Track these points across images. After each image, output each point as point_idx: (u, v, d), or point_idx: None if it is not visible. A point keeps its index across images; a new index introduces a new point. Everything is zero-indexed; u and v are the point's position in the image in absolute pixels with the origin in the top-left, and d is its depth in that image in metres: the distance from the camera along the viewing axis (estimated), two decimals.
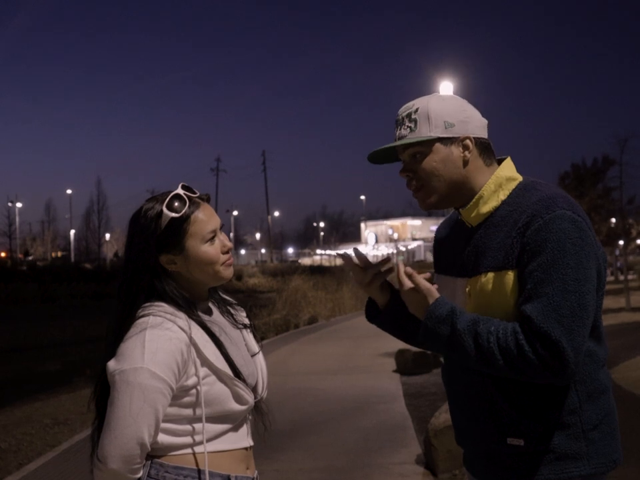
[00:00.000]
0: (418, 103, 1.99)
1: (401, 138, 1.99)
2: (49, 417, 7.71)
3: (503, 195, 1.96)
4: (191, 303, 1.89)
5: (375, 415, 7.56)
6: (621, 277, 36.26)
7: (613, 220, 29.54)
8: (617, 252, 39.03)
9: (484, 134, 2.01)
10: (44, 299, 32.60)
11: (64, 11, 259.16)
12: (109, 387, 1.78)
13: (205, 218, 1.89)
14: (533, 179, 2.01)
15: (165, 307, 1.84)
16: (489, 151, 2.01)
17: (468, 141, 1.96)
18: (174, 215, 1.85)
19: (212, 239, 1.90)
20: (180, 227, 1.86)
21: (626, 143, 26.91)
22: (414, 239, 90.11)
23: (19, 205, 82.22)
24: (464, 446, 2.12)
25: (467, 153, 1.96)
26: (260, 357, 2.06)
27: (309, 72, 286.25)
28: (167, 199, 1.86)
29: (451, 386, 2.12)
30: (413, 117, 1.97)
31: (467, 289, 1.97)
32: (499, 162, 2.04)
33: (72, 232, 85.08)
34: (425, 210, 2.11)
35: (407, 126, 1.97)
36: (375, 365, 11.33)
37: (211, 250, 1.89)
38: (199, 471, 1.83)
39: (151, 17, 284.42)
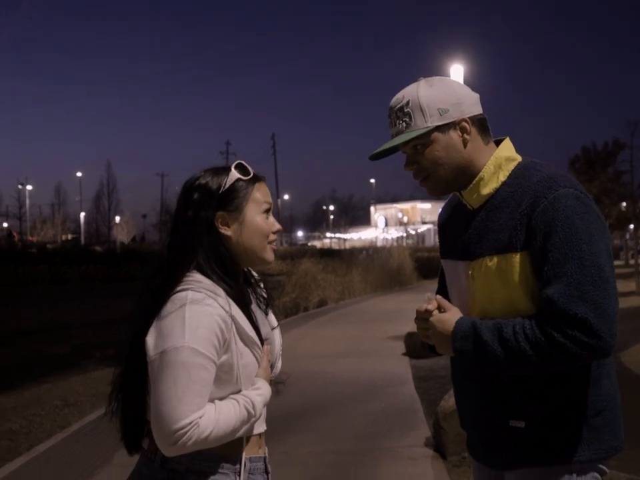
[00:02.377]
0: (407, 94, 1.96)
1: (398, 133, 1.96)
2: (59, 398, 7.72)
3: (502, 176, 1.95)
4: (232, 275, 1.88)
5: (384, 398, 7.55)
6: (631, 261, 36.11)
7: (624, 204, 29.38)
8: (628, 236, 38.87)
9: (478, 110, 1.99)
10: (53, 281, 32.65)
11: None
12: (140, 360, 1.76)
13: (265, 192, 1.94)
14: (532, 159, 1.99)
15: (204, 282, 1.80)
16: (485, 127, 2.00)
17: (465, 123, 1.94)
18: (242, 176, 1.88)
19: (267, 211, 1.93)
20: (245, 188, 1.88)
21: (636, 126, 26.77)
22: (424, 223, 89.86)
23: (29, 187, 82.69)
24: (468, 430, 2.12)
25: (465, 135, 1.95)
26: (277, 331, 2.07)
27: (318, 56, 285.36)
28: (233, 164, 1.90)
29: (457, 369, 2.11)
30: (405, 110, 1.94)
31: (470, 272, 1.96)
32: (498, 143, 2.02)
33: (82, 215, 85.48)
34: (434, 197, 2.10)
35: (402, 120, 1.95)
36: (384, 348, 11.31)
37: (265, 223, 1.91)
38: (214, 455, 1.80)
39: (161, 3, 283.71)
